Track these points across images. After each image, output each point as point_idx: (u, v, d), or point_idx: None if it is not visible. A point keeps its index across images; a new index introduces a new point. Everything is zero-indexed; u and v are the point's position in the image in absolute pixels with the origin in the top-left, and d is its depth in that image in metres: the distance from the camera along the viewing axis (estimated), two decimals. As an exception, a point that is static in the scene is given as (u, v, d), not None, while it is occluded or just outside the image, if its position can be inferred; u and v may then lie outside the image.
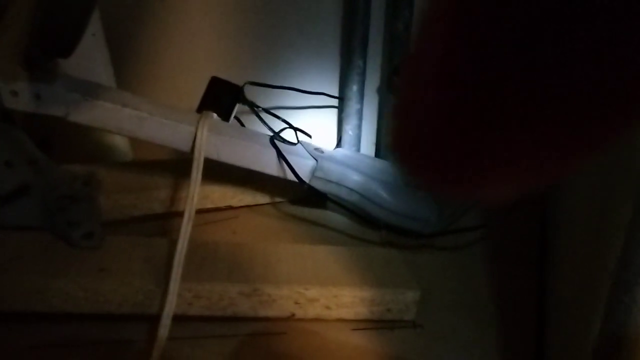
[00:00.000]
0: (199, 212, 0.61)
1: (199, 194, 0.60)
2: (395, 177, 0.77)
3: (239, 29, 0.88)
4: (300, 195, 0.78)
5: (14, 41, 0.53)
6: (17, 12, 0.55)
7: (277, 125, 0.80)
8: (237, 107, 0.78)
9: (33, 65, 0.54)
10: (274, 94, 0.89)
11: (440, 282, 0.66)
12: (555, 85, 0.15)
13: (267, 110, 0.82)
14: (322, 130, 0.93)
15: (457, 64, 0.16)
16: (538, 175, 0.18)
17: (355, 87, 0.86)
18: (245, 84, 0.80)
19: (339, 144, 0.92)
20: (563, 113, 0.15)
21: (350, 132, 0.88)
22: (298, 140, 0.77)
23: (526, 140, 0.16)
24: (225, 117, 0.74)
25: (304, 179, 0.71)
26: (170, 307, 0.52)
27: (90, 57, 0.76)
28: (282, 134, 0.75)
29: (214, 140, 0.66)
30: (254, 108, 0.81)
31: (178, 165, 0.74)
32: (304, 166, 0.71)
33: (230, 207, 0.77)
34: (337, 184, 0.72)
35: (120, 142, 0.86)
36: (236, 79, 0.78)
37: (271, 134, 0.74)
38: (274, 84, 0.88)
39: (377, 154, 0.91)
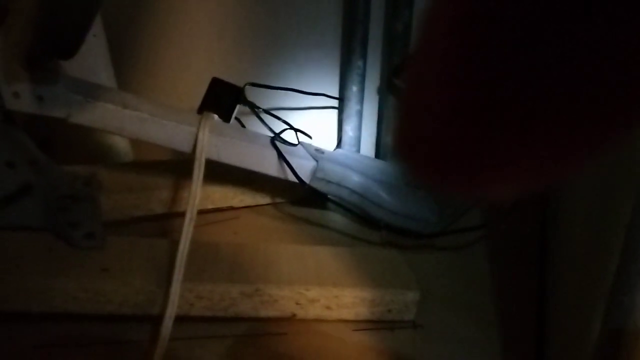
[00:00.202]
0: (200, 212, 0.61)
1: (200, 194, 0.61)
2: (396, 178, 0.77)
3: (239, 30, 0.88)
4: (301, 196, 0.78)
5: (16, 42, 0.53)
6: (19, 13, 0.55)
7: (278, 126, 0.80)
8: (238, 108, 0.78)
9: (35, 66, 0.54)
10: (274, 95, 0.89)
11: (441, 282, 0.66)
12: (558, 85, 0.15)
13: (267, 111, 0.83)
14: (322, 131, 0.93)
15: (460, 63, 0.16)
16: (541, 175, 0.18)
17: (355, 88, 0.86)
18: (246, 85, 0.80)
19: (339, 145, 0.92)
20: (566, 112, 0.15)
21: (350, 133, 0.88)
22: (298, 141, 0.77)
23: (529, 140, 0.16)
24: (225, 118, 0.74)
25: (304, 179, 0.71)
26: (172, 308, 0.52)
27: (91, 58, 0.76)
28: (283, 135, 0.76)
29: (215, 141, 0.66)
30: (254, 109, 0.81)
31: (178, 165, 0.74)
32: (304, 167, 0.71)
33: (231, 208, 0.77)
34: (338, 184, 0.72)
35: (120, 143, 0.86)
36: (236, 80, 0.79)
37: (272, 134, 0.74)
38: (274, 85, 0.88)
39: (377, 154, 0.91)
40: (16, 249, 0.56)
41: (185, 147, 0.65)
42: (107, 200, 0.67)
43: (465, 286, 0.66)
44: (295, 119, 0.90)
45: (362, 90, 0.87)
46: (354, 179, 0.72)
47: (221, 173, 0.73)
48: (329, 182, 0.71)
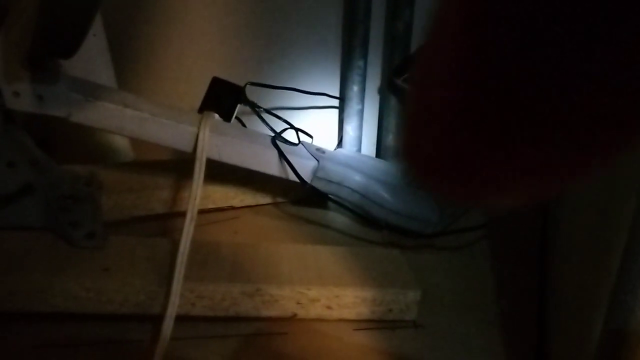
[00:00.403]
0: (201, 212, 0.61)
1: (200, 194, 0.60)
2: (397, 178, 0.77)
3: (240, 29, 0.88)
4: (302, 196, 0.78)
5: (16, 42, 0.53)
6: (20, 13, 0.55)
7: (279, 125, 0.80)
8: (238, 108, 0.78)
9: (35, 65, 0.54)
10: (275, 95, 0.89)
11: (441, 282, 0.66)
12: (565, 89, 0.15)
13: (268, 111, 0.83)
14: (323, 130, 0.93)
15: (466, 66, 0.16)
16: (550, 180, 0.18)
17: (356, 88, 0.86)
18: (247, 84, 0.80)
19: (340, 144, 0.92)
20: (576, 116, 0.15)
21: (351, 133, 0.88)
22: (299, 141, 0.77)
23: (535, 145, 0.16)
24: (226, 117, 0.74)
25: (305, 179, 0.71)
26: (173, 308, 0.52)
27: (91, 57, 0.76)
28: (284, 135, 0.76)
29: (216, 141, 0.66)
30: (255, 108, 0.81)
31: (179, 165, 0.74)
32: (305, 166, 0.71)
33: (232, 208, 0.77)
34: (339, 184, 0.72)
35: (121, 142, 0.86)
36: (237, 79, 0.79)
37: (272, 134, 0.74)
38: (275, 85, 0.88)
39: (378, 154, 0.91)
40: (17, 249, 0.56)
41: (186, 147, 0.65)
42: (107, 200, 0.67)
43: (466, 286, 0.66)
44: (296, 118, 0.90)
45: (362, 90, 0.87)
46: (355, 179, 0.72)
47: (222, 172, 0.73)
48: (329, 181, 0.71)
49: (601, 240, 0.50)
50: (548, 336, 0.58)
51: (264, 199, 0.79)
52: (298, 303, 0.56)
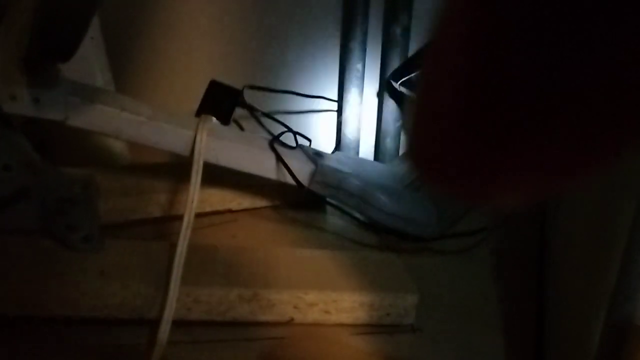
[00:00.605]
0: (198, 215, 0.61)
1: (198, 198, 0.60)
2: (395, 181, 0.77)
3: (238, 32, 0.88)
4: (300, 199, 0.78)
5: (14, 45, 0.53)
6: (17, 15, 0.55)
7: (276, 129, 0.80)
8: (236, 111, 0.78)
9: (32, 69, 0.54)
10: (273, 98, 0.89)
11: (439, 286, 0.66)
12: (571, 90, 0.15)
13: (266, 114, 0.82)
14: (321, 134, 0.93)
15: (474, 67, 0.16)
16: (554, 179, 0.18)
17: (354, 91, 0.86)
18: (244, 87, 0.80)
19: (338, 148, 0.92)
20: (582, 116, 0.15)
21: (349, 136, 0.88)
22: (297, 144, 0.77)
23: (543, 147, 0.16)
24: (224, 120, 0.74)
25: (303, 182, 0.71)
26: (170, 312, 0.52)
27: (89, 60, 0.76)
28: (282, 138, 0.75)
29: (213, 145, 0.66)
30: (253, 112, 0.81)
31: (176, 168, 0.74)
32: (303, 170, 0.71)
33: (229, 211, 0.77)
34: (337, 187, 0.72)
35: (117, 145, 0.85)
36: (235, 82, 0.78)
37: (270, 137, 0.74)
38: (273, 88, 0.88)
39: (376, 157, 0.91)
40: (13, 252, 0.56)
41: (184, 151, 0.65)
42: (104, 203, 0.67)
43: (464, 290, 0.66)
44: (294, 121, 0.90)
45: (361, 94, 0.87)
46: (353, 182, 0.72)
47: (219, 176, 0.72)
48: (327, 185, 0.71)
49: (600, 242, 0.50)
50: (547, 340, 0.58)
51: (261, 202, 0.79)
52: (295, 307, 0.56)
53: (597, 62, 0.14)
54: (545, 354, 0.57)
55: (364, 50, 0.85)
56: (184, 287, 0.53)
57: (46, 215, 0.58)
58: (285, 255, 0.62)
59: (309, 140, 0.83)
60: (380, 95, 0.89)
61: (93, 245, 0.57)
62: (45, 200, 0.57)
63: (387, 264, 0.63)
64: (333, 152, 0.89)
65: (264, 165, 0.70)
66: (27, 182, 0.58)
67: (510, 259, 0.73)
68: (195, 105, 0.76)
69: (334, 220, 0.77)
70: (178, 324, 0.52)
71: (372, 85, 0.89)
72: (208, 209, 0.75)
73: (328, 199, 0.73)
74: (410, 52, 0.85)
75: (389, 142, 0.88)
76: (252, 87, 0.83)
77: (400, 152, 0.89)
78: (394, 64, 0.84)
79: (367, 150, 0.92)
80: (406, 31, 0.83)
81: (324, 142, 0.93)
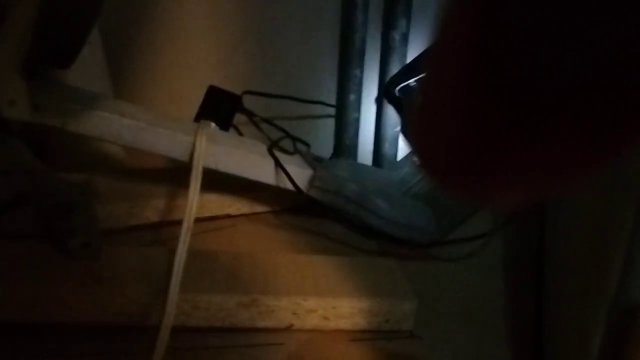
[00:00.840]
0: (196, 220, 0.61)
1: (197, 204, 0.60)
2: (393, 187, 0.77)
3: (237, 38, 0.88)
4: (298, 205, 0.78)
5: (13, 50, 0.53)
6: (16, 22, 0.55)
7: (275, 134, 0.80)
8: (235, 116, 0.78)
9: (31, 74, 0.54)
10: (272, 104, 0.89)
11: (438, 292, 0.66)
12: (573, 88, 0.15)
13: (265, 120, 0.83)
14: (319, 139, 0.93)
15: (477, 66, 0.16)
16: (556, 180, 0.18)
17: (352, 97, 0.87)
18: (243, 93, 0.80)
19: (336, 153, 0.92)
20: (582, 116, 0.15)
21: (347, 142, 0.89)
22: (296, 150, 0.77)
23: (545, 145, 0.16)
24: (223, 126, 0.74)
25: (301, 188, 0.71)
26: (169, 318, 0.51)
27: (87, 65, 0.76)
28: (280, 143, 0.75)
29: (213, 150, 0.66)
30: (252, 117, 0.81)
31: (174, 173, 0.74)
32: (301, 175, 0.71)
33: (228, 216, 0.77)
34: (335, 193, 0.72)
35: (116, 150, 0.85)
36: (234, 88, 0.79)
37: (269, 143, 0.74)
38: (272, 93, 0.88)
39: (375, 163, 0.91)
40: (10, 259, 0.55)
41: (183, 156, 0.65)
42: (102, 209, 0.67)
43: (463, 296, 0.66)
44: (292, 127, 0.90)
45: (359, 99, 0.87)
46: (351, 188, 0.72)
47: (218, 181, 0.72)
48: (326, 190, 0.71)
49: (600, 242, 0.50)
50: (547, 345, 0.58)
51: (260, 208, 0.79)
52: (294, 314, 0.56)
53: (597, 62, 0.14)
54: (546, 359, 0.57)
55: (363, 56, 0.85)
56: (183, 294, 0.53)
57: (45, 220, 0.58)
58: (284, 261, 0.62)
59: (308, 145, 0.83)
60: (378, 101, 0.89)
61: (91, 252, 0.57)
62: (44, 206, 0.57)
63: (386, 270, 0.63)
64: (331, 158, 0.89)
65: (263, 171, 0.70)
66: (25, 187, 0.58)
67: (509, 265, 0.73)
68: (194, 110, 0.76)
69: (332, 225, 0.77)
70: (177, 330, 0.52)
71: (370, 91, 0.89)
72: (207, 214, 0.75)
73: (326, 205, 0.73)
74: (409, 58, 0.85)
75: (387, 148, 0.88)
76: (251, 93, 0.83)
77: (399, 158, 0.89)
78: (393, 70, 0.85)
79: (365, 156, 0.92)
80: (405, 37, 0.83)
81: (322, 147, 0.93)
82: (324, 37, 0.88)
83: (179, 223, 0.58)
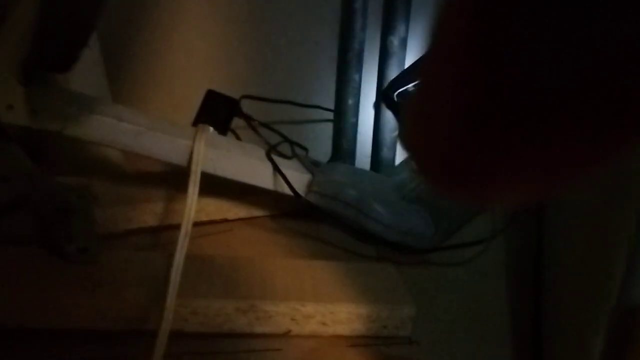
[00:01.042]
0: (194, 225, 0.61)
1: (195, 208, 0.60)
2: (391, 192, 0.77)
3: (235, 42, 0.88)
4: (296, 209, 0.78)
5: (11, 54, 0.53)
6: (15, 26, 0.55)
7: (273, 138, 0.80)
8: (233, 121, 0.78)
9: (30, 79, 0.54)
10: (270, 108, 0.89)
11: (436, 297, 0.66)
12: (574, 87, 0.15)
13: (263, 124, 0.83)
14: (317, 144, 0.93)
15: (476, 66, 0.16)
16: (554, 181, 0.18)
17: (350, 101, 0.87)
18: (242, 97, 0.80)
19: (334, 158, 0.92)
20: (582, 116, 0.15)
21: (345, 146, 0.89)
22: (294, 154, 0.77)
23: (543, 145, 0.16)
24: (221, 130, 0.74)
25: (299, 192, 0.71)
26: (167, 324, 0.51)
27: (86, 69, 0.76)
28: (278, 148, 0.75)
29: (211, 155, 0.66)
30: (250, 122, 0.81)
31: (172, 177, 0.74)
32: (299, 180, 0.71)
33: (226, 220, 0.77)
34: (333, 198, 0.72)
35: (114, 154, 0.85)
36: (232, 92, 0.79)
37: (267, 147, 0.74)
38: (270, 98, 0.88)
39: (373, 168, 0.92)
40: (9, 264, 0.55)
41: (181, 161, 0.65)
42: (100, 213, 0.66)
43: (461, 302, 0.66)
44: (291, 131, 0.90)
45: (357, 104, 0.87)
46: (349, 192, 0.72)
47: (215, 185, 0.72)
48: (324, 195, 0.71)
49: (600, 243, 0.50)
50: (545, 351, 0.58)
51: (258, 212, 0.79)
52: (292, 319, 0.56)
53: (597, 62, 0.14)
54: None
55: (361, 61, 0.86)
56: (181, 299, 0.53)
57: (43, 225, 0.57)
58: (282, 266, 0.62)
59: (306, 150, 0.83)
60: (377, 105, 0.90)
61: (89, 257, 0.57)
62: (42, 211, 0.57)
63: (384, 276, 0.63)
64: (329, 162, 0.89)
65: (261, 175, 0.70)
66: (23, 192, 0.57)
67: (507, 271, 0.73)
68: (192, 113, 0.76)
69: (330, 230, 0.77)
70: (175, 336, 0.52)
71: (368, 96, 0.89)
72: (204, 218, 0.75)
73: (324, 209, 0.73)
74: (408, 63, 0.85)
75: (385, 153, 0.88)
76: (249, 97, 0.83)
77: (397, 162, 0.90)
78: (391, 74, 0.85)
79: (363, 160, 0.92)
80: (404, 42, 0.83)
81: (320, 152, 0.94)
82: (323, 41, 0.88)
83: (177, 227, 0.58)
